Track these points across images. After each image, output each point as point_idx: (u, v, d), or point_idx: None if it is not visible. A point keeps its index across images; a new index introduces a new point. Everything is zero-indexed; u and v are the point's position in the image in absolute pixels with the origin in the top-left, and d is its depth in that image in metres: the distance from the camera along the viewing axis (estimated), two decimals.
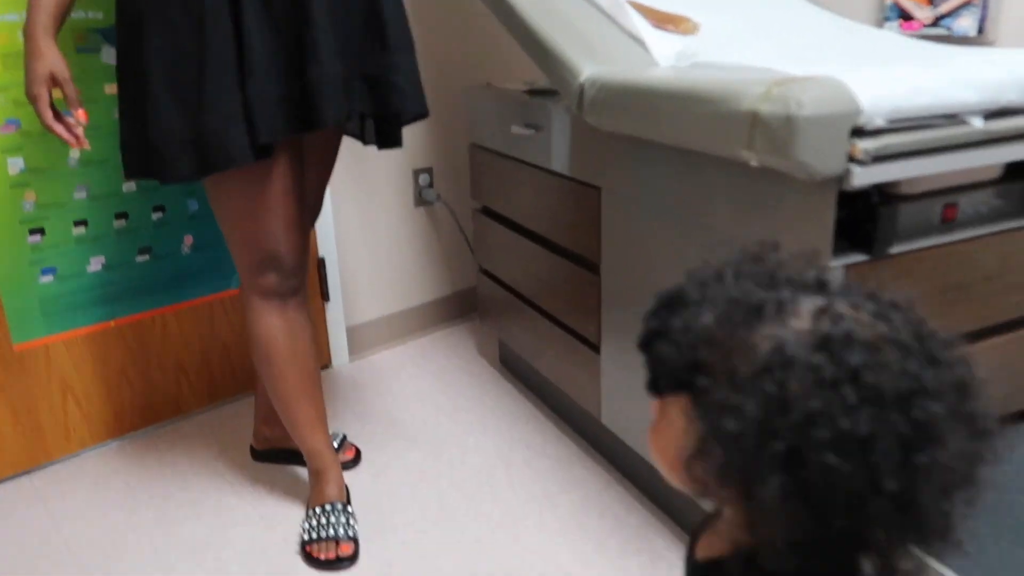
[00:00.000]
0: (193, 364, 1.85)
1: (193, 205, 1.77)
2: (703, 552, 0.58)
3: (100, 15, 1.55)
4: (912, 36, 1.68)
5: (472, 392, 1.93)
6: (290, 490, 1.57)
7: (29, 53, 1.15)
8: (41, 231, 1.59)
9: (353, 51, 1.22)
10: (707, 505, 0.57)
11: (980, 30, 1.64)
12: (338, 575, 1.35)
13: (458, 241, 2.28)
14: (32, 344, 1.62)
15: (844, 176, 0.92)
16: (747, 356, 0.46)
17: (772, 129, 0.92)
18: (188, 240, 1.78)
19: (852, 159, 0.92)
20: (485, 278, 1.94)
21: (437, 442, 1.72)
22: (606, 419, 1.51)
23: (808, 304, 0.47)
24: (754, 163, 0.97)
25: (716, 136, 1.02)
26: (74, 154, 1.59)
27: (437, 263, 2.27)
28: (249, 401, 1.80)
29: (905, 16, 1.77)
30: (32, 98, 1.17)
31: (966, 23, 1.66)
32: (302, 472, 1.57)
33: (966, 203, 1.09)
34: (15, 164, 1.52)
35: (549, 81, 1.42)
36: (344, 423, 1.80)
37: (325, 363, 2.08)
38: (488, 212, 1.88)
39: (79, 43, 1.54)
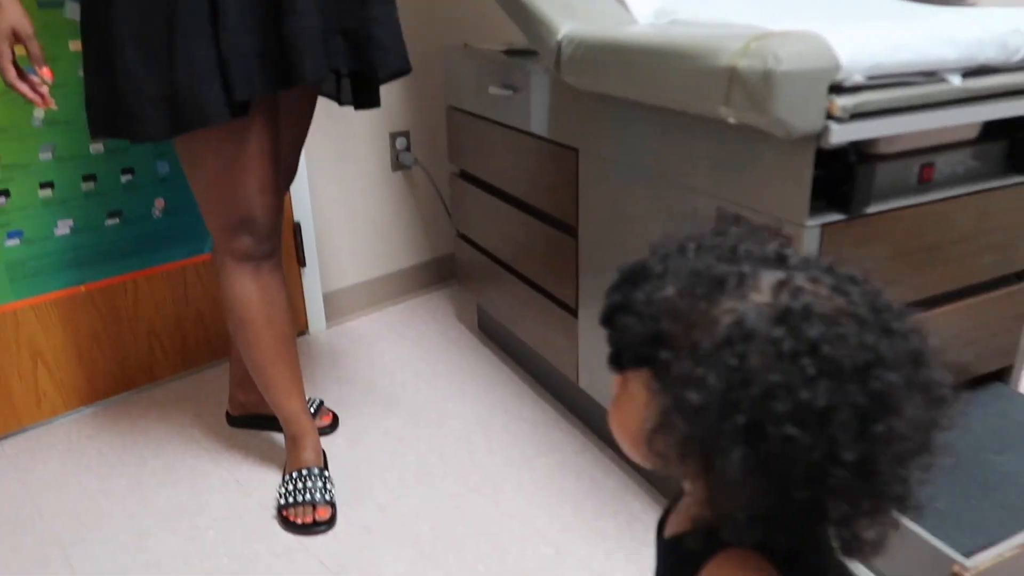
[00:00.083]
0: (167, 330, 1.82)
1: (163, 167, 1.73)
2: (670, 530, 0.59)
3: None
4: None
5: (450, 357, 1.92)
6: (266, 456, 1.56)
7: None
8: (6, 193, 1.54)
9: (331, 4, 1.18)
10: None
11: None
12: (315, 539, 1.35)
13: (436, 206, 2.26)
14: None
15: (822, 133, 0.92)
16: (709, 329, 0.46)
17: (750, 85, 0.91)
18: (159, 203, 1.74)
19: (830, 116, 0.91)
20: (463, 243, 1.92)
21: (415, 408, 1.72)
22: (584, 382, 1.51)
23: (768, 278, 0.47)
24: (732, 120, 0.96)
25: (694, 93, 1.00)
26: (38, 113, 1.54)
27: (415, 228, 2.25)
28: (224, 367, 1.78)
29: None
30: None
31: None
32: (278, 438, 1.56)
33: (943, 163, 1.09)
34: None
35: (527, 40, 1.39)
36: (321, 389, 1.79)
37: (302, 329, 2.07)
38: (465, 176, 1.85)
39: None
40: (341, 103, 1.43)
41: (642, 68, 1.09)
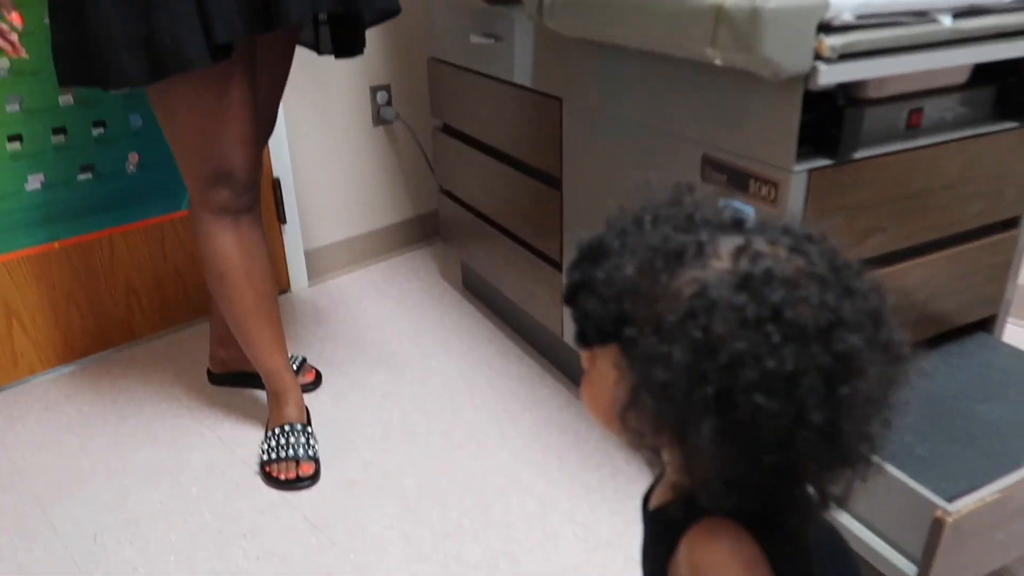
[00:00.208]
0: (145, 288, 1.79)
1: (136, 121, 1.68)
2: (654, 503, 0.59)
3: None
4: None
5: (434, 315, 1.90)
6: (248, 413, 1.55)
7: None
8: None
9: None
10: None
11: None
12: (299, 495, 1.34)
13: (419, 161, 2.22)
14: None
15: (810, 74, 0.89)
16: (671, 303, 0.46)
17: (737, 24, 0.88)
18: (133, 158, 1.70)
19: (818, 56, 0.88)
20: (446, 199, 1.90)
21: (399, 365, 1.70)
22: (568, 337, 1.50)
23: (727, 244, 0.47)
24: (718, 62, 0.93)
25: (679, 34, 0.97)
26: (3, 63, 1.49)
27: (397, 185, 2.21)
28: (204, 326, 1.75)
29: None
30: None
31: None
32: (260, 395, 1.55)
33: (932, 109, 1.07)
34: None
35: None
36: (304, 347, 1.77)
37: (283, 287, 2.04)
38: (448, 130, 1.82)
39: None
40: (320, 52, 1.38)
41: (626, 10, 1.06)
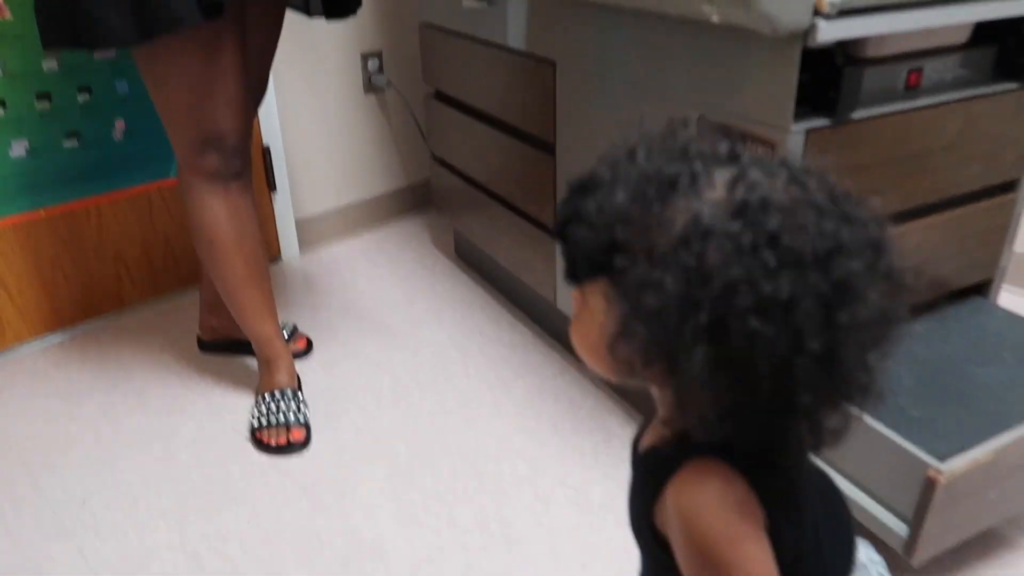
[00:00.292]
0: (133, 256, 1.77)
1: (123, 87, 1.65)
2: (644, 445, 0.59)
3: None
4: None
5: (427, 284, 1.89)
6: (239, 380, 1.53)
7: None
8: None
9: None
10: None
11: None
12: (289, 460, 1.33)
13: (411, 129, 2.19)
14: None
15: (809, 31, 0.87)
16: (663, 230, 0.45)
17: None
18: (120, 125, 1.67)
19: (817, 12, 0.87)
20: (438, 166, 1.87)
21: (391, 333, 1.69)
22: (562, 303, 1.49)
23: (722, 174, 0.46)
24: (715, 19, 0.92)
25: None
26: None
27: (390, 153, 2.19)
28: (194, 294, 1.74)
29: None
30: None
31: None
32: (251, 362, 1.54)
33: (931, 69, 1.05)
34: None
35: None
36: (295, 314, 1.76)
37: (274, 256, 2.02)
38: (440, 96, 1.79)
39: None
40: (310, 14, 1.36)
41: None
